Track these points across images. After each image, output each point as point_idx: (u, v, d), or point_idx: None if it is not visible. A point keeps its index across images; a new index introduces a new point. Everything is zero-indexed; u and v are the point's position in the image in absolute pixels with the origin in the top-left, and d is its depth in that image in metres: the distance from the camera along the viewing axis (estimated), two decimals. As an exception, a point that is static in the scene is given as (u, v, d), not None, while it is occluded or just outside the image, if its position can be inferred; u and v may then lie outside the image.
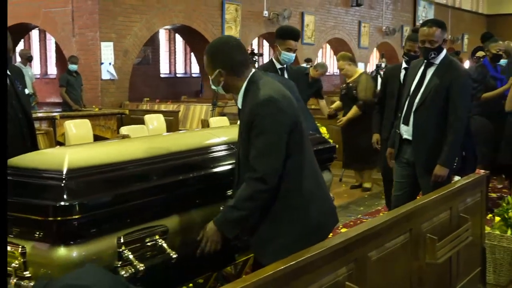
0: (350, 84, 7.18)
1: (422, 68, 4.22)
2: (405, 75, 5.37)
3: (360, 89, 7.04)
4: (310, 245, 2.28)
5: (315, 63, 10.32)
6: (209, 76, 2.68)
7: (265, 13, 14.68)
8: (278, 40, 4.89)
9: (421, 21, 22.02)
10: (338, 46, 18.73)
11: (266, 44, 19.64)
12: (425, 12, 22.57)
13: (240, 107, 2.70)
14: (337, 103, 7.74)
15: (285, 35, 4.90)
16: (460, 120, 4.11)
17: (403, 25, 21.18)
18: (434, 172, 4.05)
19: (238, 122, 2.82)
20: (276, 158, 2.52)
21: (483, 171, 3.86)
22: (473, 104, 6.08)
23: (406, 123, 4.23)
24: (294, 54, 4.90)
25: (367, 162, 7.28)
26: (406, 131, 4.25)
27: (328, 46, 20.41)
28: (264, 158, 2.51)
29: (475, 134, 6.06)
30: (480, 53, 6.95)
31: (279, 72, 4.89)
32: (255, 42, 17.44)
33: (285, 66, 4.95)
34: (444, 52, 4.20)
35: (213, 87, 2.73)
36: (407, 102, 4.25)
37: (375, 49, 20.83)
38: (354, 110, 7.11)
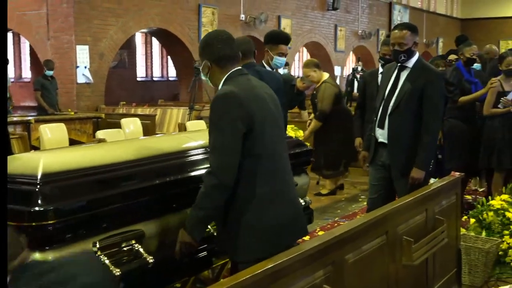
0: (314, 92, 7.23)
1: (396, 72, 4.26)
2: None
3: (318, 99, 7.06)
4: (273, 248, 2.39)
5: (292, 68, 10.43)
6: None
7: (242, 16, 14.68)
8: (269, 45, 4.85)
9: (396, 25, 22.27)
10: (315, 49, 18.83)
11: (243, 47, 19.63)
12: (400, 16, 22.79)
13: None
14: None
15: (277, 40, 4.88)
16: (435, 123, 4.16)
17: (378, 29, 21.37)
18: (411, 175, 4.09)
19: None
20: (227, 153, 2.56)
21: (458, 173, 3.89)
22: (448, 107, 6.15)
23: (381, 126, 4.26)
24: (285, 58, 4.92)
25: (330, 168, 7.33)
26: (381, 135, 4.28)
27: (305, 50, 20.49)
28: (216, 153, 2.56)
29: (450, 137, 6.14)
30: (452, 56, 6.91)
31: None
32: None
33: (274, 70, 4.92)
34: (417, 55, 4.24)
35: (203, 77, 2.87)
36: (381, 106, 4.29)
37: (351, 52, 20.96)
38: (313, 123, 7.12)
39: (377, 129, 4.31)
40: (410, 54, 4.16)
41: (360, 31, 20.32)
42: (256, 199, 2.65)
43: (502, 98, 5.77)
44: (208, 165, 2.58)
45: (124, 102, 13.17)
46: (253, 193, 2.64)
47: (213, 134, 2.58)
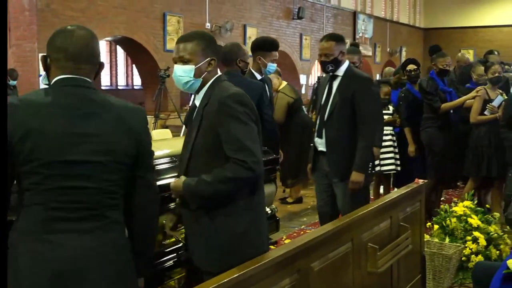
0: None
1: (328, 82, 4.34)
2: None
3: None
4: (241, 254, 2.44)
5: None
6: (192, 64, 2.63)
7: (207, 25, 14.67)
8: (261, 52, 4.96)
9: (361, 34, 22.53)
10: (281, 58, 18.81)
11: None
12: (364, 25, 23.06)
13: (198, 103, 2.70)
14: None
15: (270, 47, 5.03)
16: (368, 126, 4.24)
17: (343, 38, 21.61)
18: (351, 179, 4.16)
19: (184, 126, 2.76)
20: (258, 147, 2.55)
21: (421, 180, 3.95)
22: (424, 117, 6.22)
23: (320, 135, 4.35)
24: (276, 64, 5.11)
25: (291, 177, 7.37)
26: (320, 144, 4.37)
27: (270, 58, 20.57)
28: (249, 147, 2.49)
29: (429, 146, 6.17)
30: (410, 67, 6.80)
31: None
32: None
33: (263, 76, 5.01)
34: (347, 63, 4.33)
35: (187, 79, 2.65)
36: (319, 116, 4.37)
37: (316, 61, 21.12)
38: None
39: (316, 138, 4.38)
40: (337, 63, 4.26)
41: (325, 40, 20.52)
42: (253, 206, 2.64)
43: (488, 105, 5.88)
44: (240, 160, 2.46)
45: (88, 111, 12.98)
46: (252, 199, 2.63)
47: (240, 129, 2.50)
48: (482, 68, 6.50)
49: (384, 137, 6.37)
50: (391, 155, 6.54)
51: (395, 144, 6.57)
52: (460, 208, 4.69)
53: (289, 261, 2.28)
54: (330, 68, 4.25)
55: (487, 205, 5.32)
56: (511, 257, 2.90)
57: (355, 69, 4.48)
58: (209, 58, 2.65)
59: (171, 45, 13.49)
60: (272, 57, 5.00)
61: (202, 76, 2.66)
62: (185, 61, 2.65)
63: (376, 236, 3.08)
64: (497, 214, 4.87)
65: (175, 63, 2.69)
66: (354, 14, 22.56)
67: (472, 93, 6.00)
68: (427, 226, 4.73)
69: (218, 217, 2.58)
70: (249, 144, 2.50)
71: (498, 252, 4.51)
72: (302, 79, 19.15)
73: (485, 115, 5.91)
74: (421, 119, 6.31)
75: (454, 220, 4.60)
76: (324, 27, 20.59)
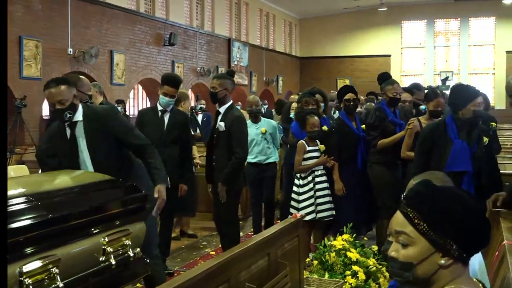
0: None
1: (68, 128, 4.20)
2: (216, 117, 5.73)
3: None
4: None
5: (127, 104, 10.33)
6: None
7: (70, 50, 14.32)
8: (160, 84, 5.85)
9: (236, 62, 22.98)
10: (151, 87, 18.81)
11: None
12: (239, 53, 23.56)
13: None
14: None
15: (163, 81, 5.84)
16: None
17: (218, 66, 21.89)
18: None
19: None
20: None
21: (299, 214, 4.04)
22: (370, 151, 6.06)
23: None
24: (170, 99, 5.81)
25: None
26: None
27: (140, 87, 20.42)
28: None
29: (377, 184, 5.99)
30: (350, 95, 6.28)
31: (160, 113, 5.80)
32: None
33: (167, 109, 5.83)
34: (80, 107, 4.19)
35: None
36: None
37: (190, 90, 21.25)
38: None
39: None
40: (74, 109, 4.11)
41: (198, 68, 20.69)
42: None
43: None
44: None
45: None
46: None
47: None
48: (406, 94, 6.41)
49: (319, 178, 6.03)
50: (328, 198, 6.06)
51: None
52: (339, 242, 4.84)
53: (160, 307, 2.24)
54: (68, 116, 4.07)
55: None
56: (390, 291, 3.03)
57: (91, 107, 4.36)
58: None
59: (28, 71, 13.05)
60: (163, 90, 5.79)
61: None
62: None
63: (254, 274, 3.10)
64: (375, 247, 5.08)
65: None
66: (229, 41, 23.01)
67: (405, 129, 5.80)
68: (307, 262, 4.84)
69: None
70: None
71: (377, 285, 4.70)
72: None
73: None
74: (356, 153, 6.17)
75: (333, 254, 4.74)
76: (198, 54, 20.82)
